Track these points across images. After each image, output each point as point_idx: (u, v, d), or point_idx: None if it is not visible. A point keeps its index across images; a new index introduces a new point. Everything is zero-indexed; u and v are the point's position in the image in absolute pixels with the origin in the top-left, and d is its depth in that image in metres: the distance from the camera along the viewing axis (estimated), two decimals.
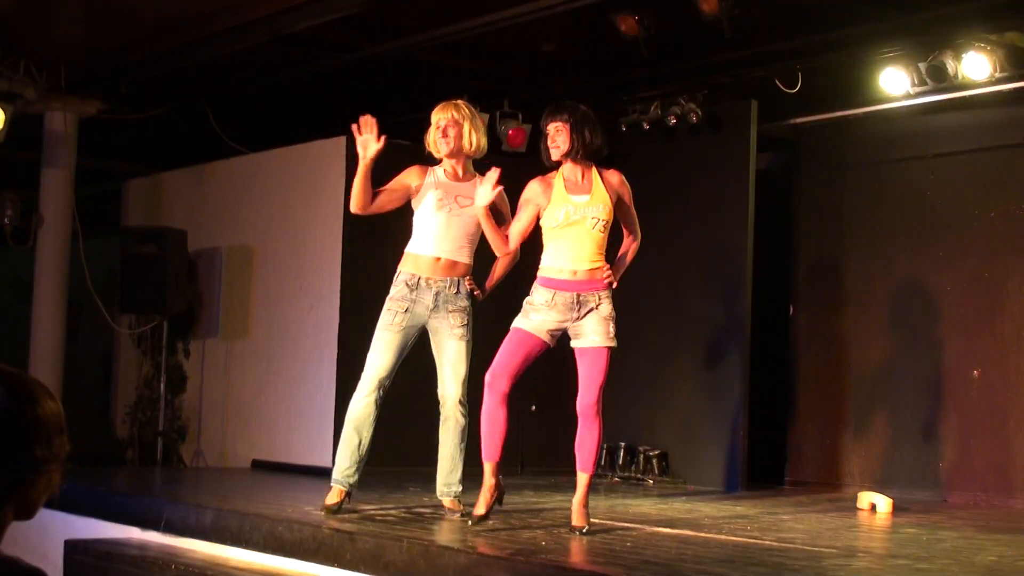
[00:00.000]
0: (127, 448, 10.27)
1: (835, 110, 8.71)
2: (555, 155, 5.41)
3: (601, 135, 5.47)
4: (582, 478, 5.45)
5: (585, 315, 5.36)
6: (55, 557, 6.17)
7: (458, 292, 5.79)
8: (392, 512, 5.97)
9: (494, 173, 5.41)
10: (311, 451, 8.65)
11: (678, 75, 8.65)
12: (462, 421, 5.81)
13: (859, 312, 8.63)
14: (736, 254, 8.45)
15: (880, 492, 7.33)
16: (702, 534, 5.79)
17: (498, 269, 5.91)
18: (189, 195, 10.17)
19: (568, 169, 5.44)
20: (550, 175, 5.48)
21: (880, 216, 8.59)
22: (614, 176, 5.49)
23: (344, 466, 5.80)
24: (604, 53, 8.45)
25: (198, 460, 9.65)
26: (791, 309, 8.98)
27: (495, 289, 5.92)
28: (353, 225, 8.51)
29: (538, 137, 5.68)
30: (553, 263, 5.41)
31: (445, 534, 5.45)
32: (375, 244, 7.94)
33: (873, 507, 7.15)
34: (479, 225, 5.80)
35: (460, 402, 5.79)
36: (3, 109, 9.07)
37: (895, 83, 7.96)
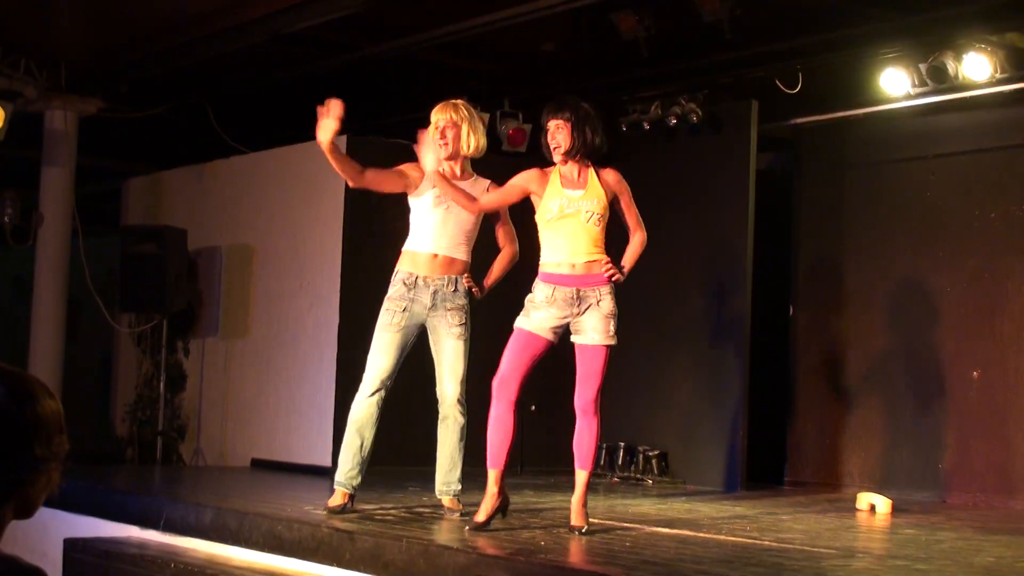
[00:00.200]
0: (127, 447, 10.28)
1: (835, 110, 8.71)
2: (556, 153, 5.42)
3: (602, 134, 5.47)
4: (580, 476, 5.45)
5: (586, 311, 5.36)
6: (54, 556, 6.17)
7: (456, 290, 5.79)
8: (392, 511, 5.97)
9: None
10: (311, 450, 8.65)
11: (678, 75, 8.65)
12: (461, 420, 5.81)
13: (859, 312, 8.63)
14: (736, 254, 8.45)
15: (879, 493, 7.33)
16: (701, 534, 5.79)
17: (497, 267, 5.91)
18: (189, 194, 10.17)
19: (566, 166, 5.45)
20: (549, 168, 5.50)
21: (880, 216, 8.59)
22: (610, 174, 5.48)
23: (347, 468, 5.79)
24: (604, 53, 8.46)
25: (198, 459, 9.66)
26: (791, 309, 8.98)
27: (494, 287, 5.91)
28: (353, 225, 8.52)
29: (538, 136, 5.69)
30: (551, 257, 5.41)
31: (444, 533, 5.45)
32: (375, 243, 7.94)
33: (872, 508, 7.15)
34: (476, 225, 5.81)
35: (459, 401, 5.79)
36: (3, 107, 9.07)
37: (895, 84, 7.96)
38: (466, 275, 5.83)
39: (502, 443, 5.38)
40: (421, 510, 6.09)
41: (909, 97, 8.00)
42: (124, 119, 10.12)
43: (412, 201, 5.86)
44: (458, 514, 5.80)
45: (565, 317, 5.38)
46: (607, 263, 5.38)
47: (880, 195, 8.62)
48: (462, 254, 5.84)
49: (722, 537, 5.71)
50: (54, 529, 6.32)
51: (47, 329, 9.86)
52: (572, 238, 5.37)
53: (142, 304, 9.87)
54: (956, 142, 8.24)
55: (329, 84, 9.48)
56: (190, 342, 9.98)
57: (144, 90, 9.90)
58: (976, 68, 7.55)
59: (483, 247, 5.97)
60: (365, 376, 5.79)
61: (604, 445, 8.78)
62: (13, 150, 9.40)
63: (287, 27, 7.90)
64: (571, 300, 5.36)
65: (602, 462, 8.82)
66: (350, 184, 5.90)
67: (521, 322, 5.42)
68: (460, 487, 5.90)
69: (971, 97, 7.84)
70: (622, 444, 8.88)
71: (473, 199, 5.61)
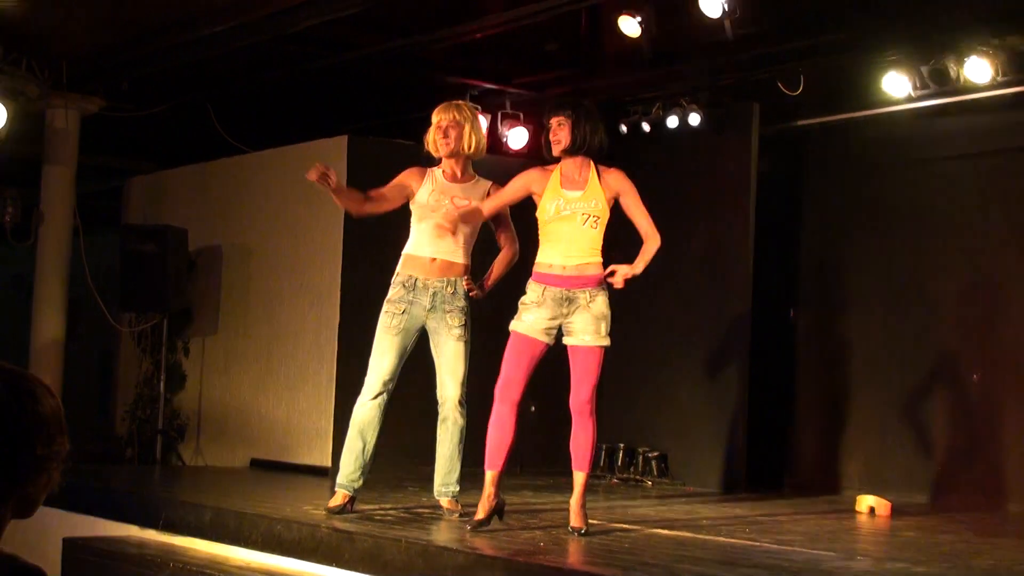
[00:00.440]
0: (126, 446, 10.27)
1: (837, 113, 8.70)
2: (555, 150, 5.42)
3: (604, 133, 5.46)
4: (578, 477, 5.45)
5: (576, 312, 5.35)
6: (54, 555, 6.16)
7: (455, 292, 5.78)
8: (391, 512, 5.97)
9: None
10: (310, 450, 8.65)
11: (680, 77, 8.65)
12: (460, 422, 5.81)
13: (860, 315, 8.63)
14: (737, 256, 8.45)
15: (879, 495, 7.33)
16: (700, 536, 5.79)
17: (497, 267, 5.90)
18: (190, 193, 10.17)
19: (567, 164, 5.44)
20: (551, 167, 5.49)
21: (881, 219, 8.59)
22: (613, 174, 5.46)
23: (349, 471, 5.79)
24: (606, 54, 8.45)
25: (197, 458, 9.65)
26: (792, 312, 8.98)
27: (495, 289, 5.91)
28: (353, 224, 8.51)
29: (539, 137, 5.70)
30: (544, 258, 5.42)
31: (443, 534, 5.45)
32: (375, 243, 7.93)
33: (871, 510, 7.15)
34: (475, 226, 5.81)
35: (459, 402, 5.79)
36: (5, 106, 9.07)
37: (897, 86, 7.96)
38: (466, 278, 5.82)
39: (501, 444, 5.37)
40: (420, 511, 6.09)
41: (911, 100, 8.00)
42: (125, 118, 10.12)
43: (412, 206, 5.87)
44: (457, 515, 5.80)
45: (555, 318, 5.37)
46: (610, 271, 5.36)
47: (881, 198, 8.62)
48: (461, 257, 5.83)
49: (721, 539, 5.71)
50: (53, 528, 6.31)
51: (47, 328, 9.86)
52: (567, 240, 5.36)
53: (142, 303, 9.86)
54: (957, 145, 8.24)
55: (331, 83, 9.53)
56: (190, 341, 9.97)
57: (145, 89, 9.90)
58: (977, 71, 7.55)
59: (484, 248, 5.97)
60: (366, 379, 5.80)
61: (604, 446, 8.79)
62: (15, 148, 9.39)
63: (289, 26, 7.90)
64: (561, 300, 5.35)
65: (602, 463, 8.82)
66: (352, 214, 5.96)
67: (514, 324, 5.43)
68: (459, 488, 5.90)
69: (972, 100, 7.84)
70: (622, 445, 8.87)
71: (477, 209, 5.60)
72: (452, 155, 5.84)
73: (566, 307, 5.35)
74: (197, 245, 9.78)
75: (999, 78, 7.57)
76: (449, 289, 5.78)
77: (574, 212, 5.35)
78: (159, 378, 9.85)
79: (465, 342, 5.79)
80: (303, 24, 7.86)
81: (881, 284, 8.53)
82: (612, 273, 5.37)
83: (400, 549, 4.97)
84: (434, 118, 5.88)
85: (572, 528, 5.44)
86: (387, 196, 5.84)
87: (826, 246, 8.91)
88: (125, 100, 9.97)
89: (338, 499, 5.79)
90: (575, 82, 8.85)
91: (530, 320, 5.37)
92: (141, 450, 10.07)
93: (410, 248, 5.86)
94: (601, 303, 5.37)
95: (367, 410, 5.76)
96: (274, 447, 8.99)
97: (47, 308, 9.89)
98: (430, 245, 5.80)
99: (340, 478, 5.83)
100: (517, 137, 9.19)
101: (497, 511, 5.48)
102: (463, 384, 5.78)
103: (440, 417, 5.84)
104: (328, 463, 8.34)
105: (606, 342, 5.38)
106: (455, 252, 5.81)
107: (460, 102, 5.95)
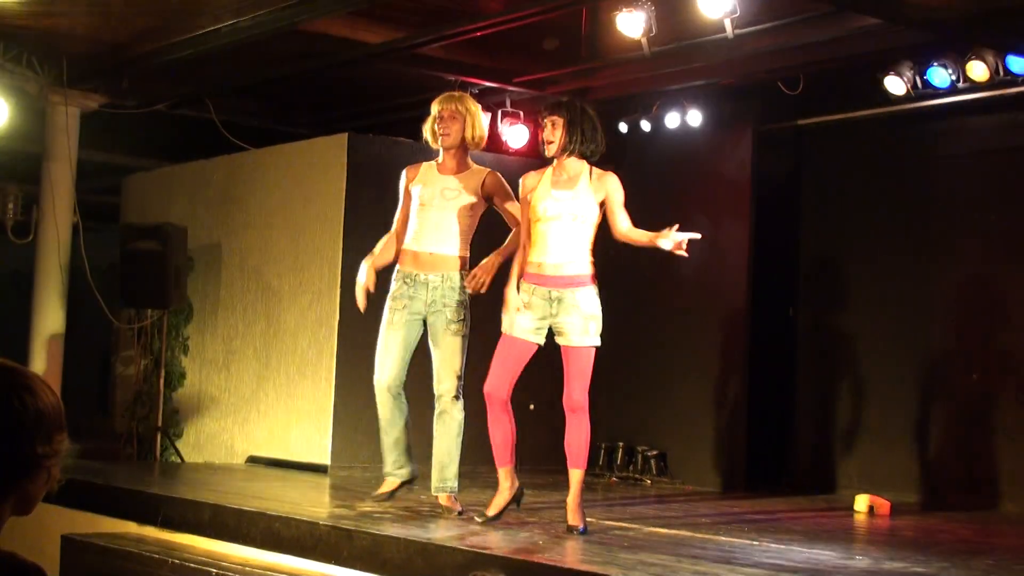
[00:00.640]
0: (125, 443, 10.26)
1: (837, 112, 8.70)
2: (548, 150, 5.43)
3: (599, 135, 5.45)
4: (574, 475, 5.46)
5: (565, 312, 5.35)
6: (52, 552, 6.16)
7: (452, 286, 5.78)
8: (390, 509, 5.97)
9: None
10: (309, 448, 8.64)
11: (680, 77, 8.64)
12: (458, 416, 5.80)
13: (859, 314, 8.63)
14: (736, 255, 8.45)
15: (877, 494, 7.33)
16: (699, 535, 5.79)
17: (496, 256, 5.76)
18: (190, 190, 10.16)
19: (559, 165, 5.44)
20: (543, 168, 5.51)
21: (880, 218, 8.59)
22: (606, 177, 5.45)
23: (391, 459, 5.95)
24: (606, 53, 8.44)
25: (196, 456, 9.65)
26: (791, 310, 8.98)
27: (495, 289, 5.85)
28: (353, 222, 8.51)
29: (538, 135, 5.70)
30: (533, 257, 5.43)
31: (442, 532, 5.45)
32: (376, 240, 7.91)
33: (871, 509, 7.16)
34: (471, 218, 5.80)
35: (455, 397, 5.78)
36: (6, 103, 9.06)
37: (897, 85, 7.96)
38: (465, 271, 5.80)
39: (504, 442, 5.45)
40: (419, 508, 6.09)
41: (910, 99, 8.00)
42: (126, 115, 10.11)
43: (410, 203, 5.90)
44: (455, 513, 5.79)
45: (544, 318, 5.39)
46: (590, 267, 5.35)
47: (881, 196, 8.62)
48: (454, 250, 5.80)
49: (720, 538, 5.71)
50: (52, 525, 6.31)
51: (47, 324, 9.85)
52: (555, 240, 5.37)
53: (142, 300, 9.85)
54: (957, 144, 8.25)
55: (331, 80, 9.52)
56: (189, 339, 9.97)
57: (146, 86, 9.89)
58: (978, 71, 7.55)
59: (481, 243, 5.96)
60: (374, 377, 5.88)
61: (603, 445, 8.79)
62: (15, 145, 9.39)
63: (289, 24, 7.89)
64: (548, 300, 5.36)
65: (600, 462, 8.83)
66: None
67: (504, 325, 5.46)
68: (456, 484, 5.89)
69: (973, 99, 7.84)
70: (621, 444, 8.88)
71: (515, 236, 5.66)
72: (450, 146, 5.83)
73: (555, 307, 5.36)
74: (197, 242, 9.77)
75: (999, 77, 7.57)
76: (446, 283, 5.77)
77: (560, 213, 5.35)
78: (158, 375, 9.85)
79: (463, 336, 5.77)
80: (304, 21, 7.84)
81: (880, 284, 8.53)
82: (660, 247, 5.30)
83: (399, 547, 4.97)
84: (434, 108, 5.88)
85: (569, 526, 5.45)
86: (405, 215, 5.90)
87: (825, 246, 8.91)
88: (125, 97, 9.96)
89: (385, 486, 5.98)
90: (575, 81, 8.84)
91: (518, 320, 5.40)
92: (140, 447, 10.06)
93: (406, 243, 5.88)
94: (590, 303, 5.37)
95: (383, 408, 5.87)
96: (273, 444, 8.99)
97: (47, 305, 9.88)
98: (424, 239, 5.80)
99: (385, 467, 6.01)
100: (517, 135, 9.22)
101: (515, 499, 5.60)
102: (460, 378, 5.77)
103: (436, 412, 5.84)
104: (327, 461, 8.35)
105: (596, 342, 5.39)
106: (448, 245, 5.79)
107: (461, 93, 5.97)
